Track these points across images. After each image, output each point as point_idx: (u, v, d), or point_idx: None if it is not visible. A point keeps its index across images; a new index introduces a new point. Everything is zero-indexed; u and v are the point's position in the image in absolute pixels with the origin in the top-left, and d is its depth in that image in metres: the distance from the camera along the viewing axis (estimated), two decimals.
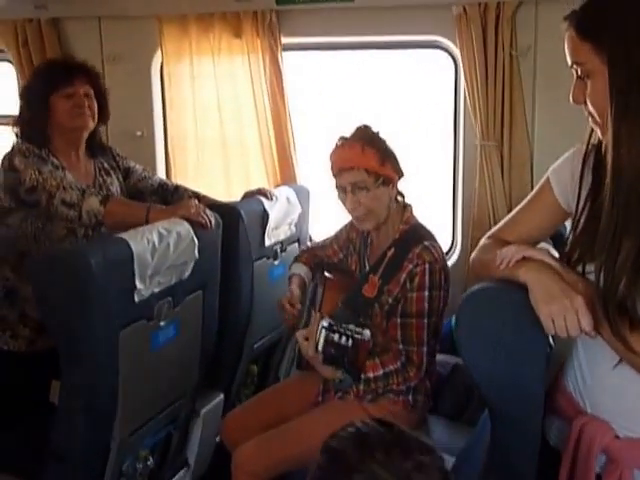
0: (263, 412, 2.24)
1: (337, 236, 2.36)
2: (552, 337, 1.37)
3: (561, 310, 1.24)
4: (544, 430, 1.48)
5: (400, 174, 2.11)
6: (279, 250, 2.73)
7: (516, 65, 2.78)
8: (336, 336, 1.80)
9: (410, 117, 3.70)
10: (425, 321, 1.99)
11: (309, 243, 2.51)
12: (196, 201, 2.23)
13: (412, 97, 3.72)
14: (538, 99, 2.81)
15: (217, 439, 2.52)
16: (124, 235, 1.90)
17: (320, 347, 1.83)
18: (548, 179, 1.50)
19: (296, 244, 2.88)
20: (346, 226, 2.33)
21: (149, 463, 2.19)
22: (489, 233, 1.61)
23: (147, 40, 3.26)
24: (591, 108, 1.29)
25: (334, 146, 2.09)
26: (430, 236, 2.09)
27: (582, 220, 1.36)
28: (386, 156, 2.04)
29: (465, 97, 2.88)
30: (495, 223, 2.81)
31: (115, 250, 1.85)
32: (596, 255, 1.26)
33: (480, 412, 1.83)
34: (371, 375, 1.96)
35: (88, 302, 1.79)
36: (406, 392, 2.04)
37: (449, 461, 2.00)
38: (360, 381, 1.96)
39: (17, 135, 2.39)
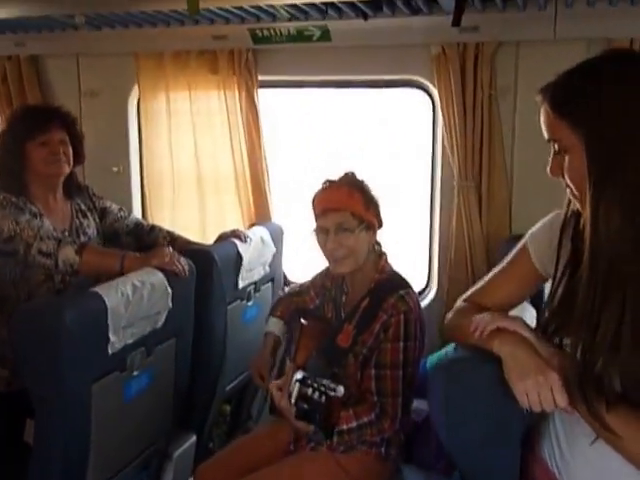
0: (236, 459, 2.22)
1: (313, 282, 2.36)
2: None
3: (535, 386, 1.23)
4: None
5: (380, 223, 2.12)
6: (253, 291, 2.74)
7: (495, 105, 2.79)
8: (309, 390, 1.80)
9: (388, 154, 3.73)
10: (400, 372, 1.98)
11: (282, 291, 2.51)
12: (170, 249, 2.23)
13: (391, 134, 3.75)
14: (517, 140, 2.81)
15: None
16: (98, 289, 1.90)
17: (293, 400, 1.83)
18: (526, 244, 1.49)
19: (270, 283, 2.89)
20: (321, 273, 2.33)
21: None
22: (465, 296, 1.60)
23: (124, 76, 3.28)
24: (569, 182, 1.29)
25: (319, 188, 2.10)
26: (405, 285, 2.08)
27: (559, 290, 1.35)
28: (371, 202, 2.06)
29: (443, 137, 2.89)
30: (472, 264, 2.91)
31: (89, 305, 1.86)
32: (573, 331, 1.26)
33: None
34: (344, 427, 1.94)
35: (61, 358, 1.79)
36: (379, 444, 2.03)
37: None
38: (332, 436, 1.95)
39: None
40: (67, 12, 2.76)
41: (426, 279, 3.17)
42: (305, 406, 1.82)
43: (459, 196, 2.87)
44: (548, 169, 1.32)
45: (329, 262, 2.11)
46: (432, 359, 2.80)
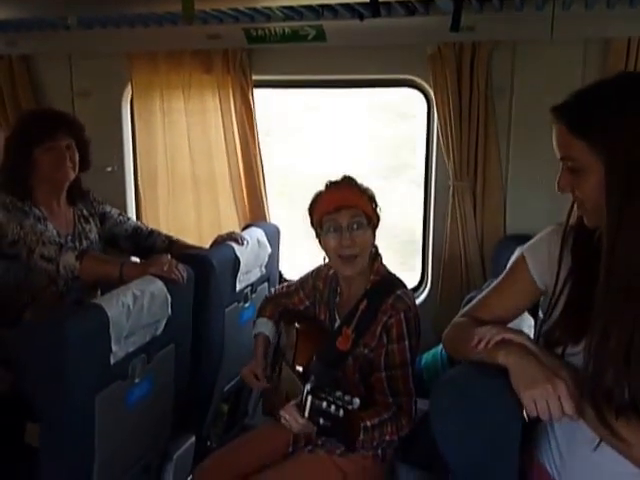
0: (234, 460, 2.24)
1: (302, 284, 2.34)
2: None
3: (544, 395, 1.26)
4: None
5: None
6: (249, 292, 2.77)
7: (491, 105, 2.79)
8: (324, 404, 1.73)
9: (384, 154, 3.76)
10: (409, 370, 2.01)
11: (273, 289, 2.49)
12: (169, 256, 2.25)
13: (386, 133, 3.77)
14: (513, 139, 2.83)
15: (189, 478, 2.57)
16: (100, 301, 1.93)
17: (306, 414, 1.76)
18: (524, 258, 1.49)
19: (266, 284, 2.91)
20: (311, 274, 2.32)
21: None
22: (463, 311, 1.61)
23: (117, 76, 3.27)
24: (581, 199, 1.29)
25: (324, 189, 2.10)
26: (401, 284, 2.10)
27: (561, 301, 1.37)
28: (373, 202, 2.09)
29: (438, 136, 2.90)
30: (466, 263, 2.94)
31: (92, 318, 1.89)
32: (585, 344, 1.28)
33: None
34: (368, 424, 1.90)
35: (65, 371, 1.82)
36: (376, 446, 2.05)
37: None
38: (355, 448, 1.92)
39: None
40: (59, 14, 2.75)
41: (420, 277, 3.20)
42: (322, 420, 1.74)
43: (454, 196, 2.90)
44: (556, 184, 1.33)
45: (337, 263, 2.08)
46: (427, 357, 2.87)
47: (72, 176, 2.48)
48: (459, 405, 1.41)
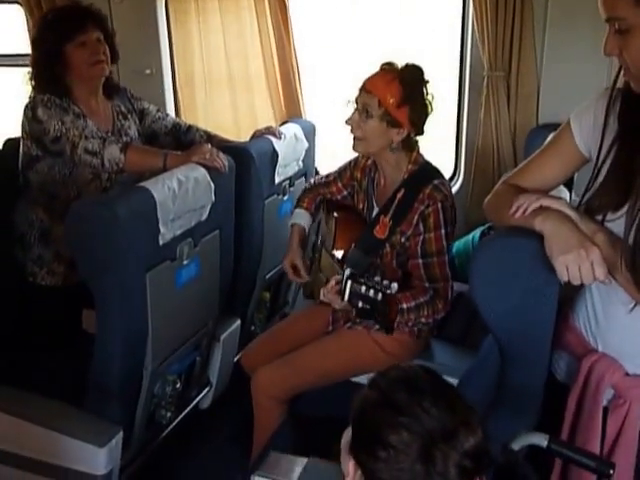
0: (278, 341, 2.38)
1: (340, 173, 2.37)
2: None
3: (576, 259, 1.24)
4: (551, 364, 1.53)
5: (417, 130, 2.10)
6: (287, 186, 2.84)
7: None
8: (363, 288, 1.77)
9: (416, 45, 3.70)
10: (446, 258, 2.07)
11: (312, 180, 2.53)
12: (209, 145, 2.31)
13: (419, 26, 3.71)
14: (549, 28, 2.78)
15: (235, 359, 2.75)
16: (146, 184, 2.02)
17: (346, 297, 1.80)
18: (569, 124, 1.43)
19: (303, 178, 2.98)
20: (350, 163, 2.35)
21: (177, 386, 2.40)
22: (504, 178, 1.57)
23: None
24: (629, 62, 1.21)
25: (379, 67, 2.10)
26: (438, 174, 2.12)
27: (604, 168, 1.33)
28: (409, 102, 2.03)
29: (473, 26, 2.86)
30: (499, 153, 2.97)
31: (139, 199, 1.98)
32: (627, 208, 1.25)
33: (483, 336, 1.88)
34: (405, 306, 1.99)
35: (116, 250, 1.93)
36: (412, 326, 2.15)
37: (452, 383, 2.15)
38: (393, 331, 1.94)
39: (33, 87, 2.43)
40: None
41: (453, 168, 3.24)
42: (360, 304, 1.78)
43: (488, 86, 2.89)
44: (603, 48, 1.24)
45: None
46: (458, 245, 2.95)
47: (107, 70, 2.46)
48: (497, 265, 1.44)
